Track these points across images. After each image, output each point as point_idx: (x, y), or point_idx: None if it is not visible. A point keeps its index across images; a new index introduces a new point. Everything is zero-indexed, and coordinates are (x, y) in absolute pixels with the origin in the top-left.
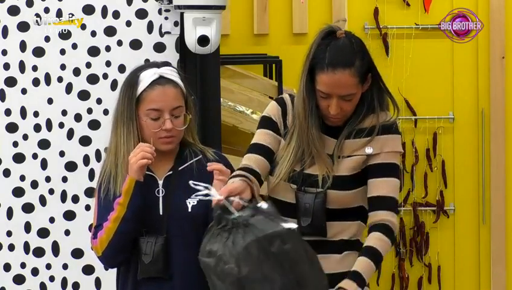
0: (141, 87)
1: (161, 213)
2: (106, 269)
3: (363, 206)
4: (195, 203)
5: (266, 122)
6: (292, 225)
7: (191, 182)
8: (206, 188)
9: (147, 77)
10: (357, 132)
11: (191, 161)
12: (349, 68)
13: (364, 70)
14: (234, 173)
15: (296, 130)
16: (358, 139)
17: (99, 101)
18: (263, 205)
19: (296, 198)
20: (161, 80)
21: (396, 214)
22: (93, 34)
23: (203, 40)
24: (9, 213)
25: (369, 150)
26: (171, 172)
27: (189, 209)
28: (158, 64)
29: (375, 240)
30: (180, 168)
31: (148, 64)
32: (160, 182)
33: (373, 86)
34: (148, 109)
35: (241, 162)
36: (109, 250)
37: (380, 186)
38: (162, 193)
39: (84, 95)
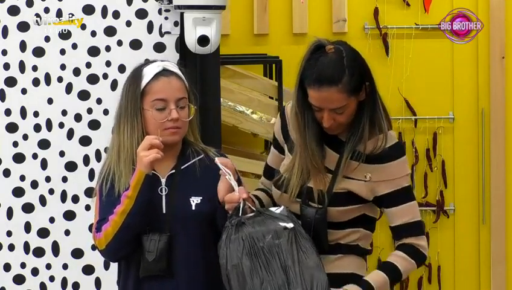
0: (145, 80)
1: (164, 212)
2: (106, 269)
3: (365, 214)
4: (199, 201)
5: (273, 140)
6: (290, 224)
7: (217, 160)
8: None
9: (151, 70)
10: (358, 154)
11: (194, 160)
12: (335, 85)
13: (354, 85)
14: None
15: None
16: (361, 163)
17: (99, 101)
18: (276, 209)
19: (300, 211)
20: (165, 72)
21: (423, 235)
22: (93, 34)
23: (203, 40)
24: (9, 213)
25: (368, 176)
26: (173, 171)
27: (193, 208)
28: (160, 61)
29: (395, 257)
30: (182, 167)
31: (150, 61)
32: (163, 181)
33: (370, 97)
34: (154, 99)
35: (258, 185)
36: (114, 243)
37: (399, 215)
38: (165, 191)
39: (84, 95)
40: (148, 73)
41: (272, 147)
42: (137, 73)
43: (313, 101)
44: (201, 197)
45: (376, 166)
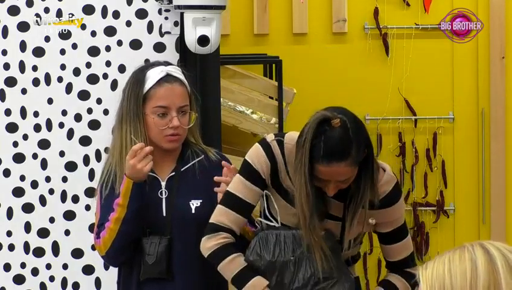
0: (148, 84)
1: (164, 214)
2: (106, 269)
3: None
4: (199, 204)
5: (253, 176)
6: None
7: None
8: None
9: (154, 75)
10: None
11: (193, 162)
12: (344, 160)
13: (360, 156)
14: (216, 232)
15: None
16: (367, 210)
17: (99, 101)
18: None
19: None
20: (169, 78)
21: (416, 265)
22: (93, 34)
23: (203, 40)
24: (9, 213)
25: (372, 221)
26: (173, 173)
27: (193, 211)
28: (163, 63)
29: (398, 280)
30: (182, 169)
31: (153, 63)
32: (163, 183)
33: (369, 161)
34: (156, 106)
35: (220, 217)
36: (112, 250)
37: (398, 252)
38: (165, 194)
39: (84, 95)
40: (152, 77)
41: (248, 182)
42: (140, 76)
43: (321, 175)
44: (201, 201)
45: (379, 211)
